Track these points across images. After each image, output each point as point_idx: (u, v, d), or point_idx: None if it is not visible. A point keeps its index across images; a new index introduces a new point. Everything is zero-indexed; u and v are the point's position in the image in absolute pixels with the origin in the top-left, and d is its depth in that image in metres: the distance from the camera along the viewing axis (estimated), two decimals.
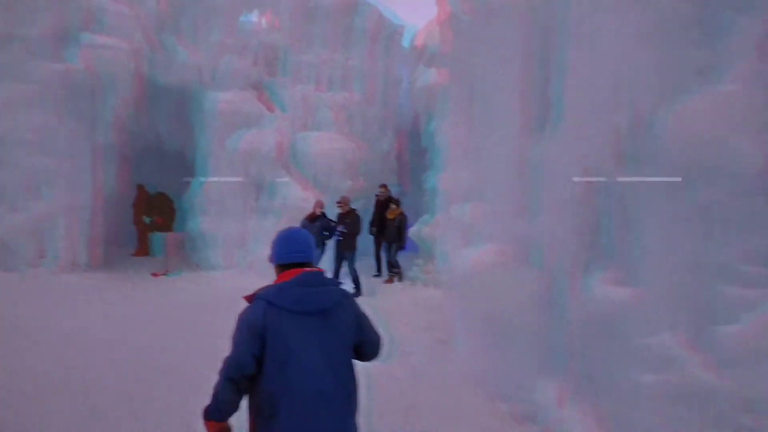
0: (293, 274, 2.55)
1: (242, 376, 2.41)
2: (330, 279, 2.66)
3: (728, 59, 3.28)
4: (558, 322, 4.73)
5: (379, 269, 11.89)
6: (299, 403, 2.35)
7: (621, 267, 4.24)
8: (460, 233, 5.83)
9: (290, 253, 2.62)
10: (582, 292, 4.48)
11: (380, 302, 9.67)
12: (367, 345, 2.66)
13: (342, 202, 10.30)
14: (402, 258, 11.77)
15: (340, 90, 13.15)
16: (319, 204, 10.34)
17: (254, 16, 12.81)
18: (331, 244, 10.31)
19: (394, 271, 11.41)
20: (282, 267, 2.62)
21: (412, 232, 11.55)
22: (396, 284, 11.30)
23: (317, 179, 12.09)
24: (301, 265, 2.60)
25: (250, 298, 2.53)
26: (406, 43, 14.51)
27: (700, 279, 3.52)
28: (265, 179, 11.89)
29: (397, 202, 11.73)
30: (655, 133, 3.60)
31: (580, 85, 4.06)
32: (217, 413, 2.48)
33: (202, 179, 12.06)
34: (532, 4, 4.50)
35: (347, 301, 2.60)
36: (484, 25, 4.93)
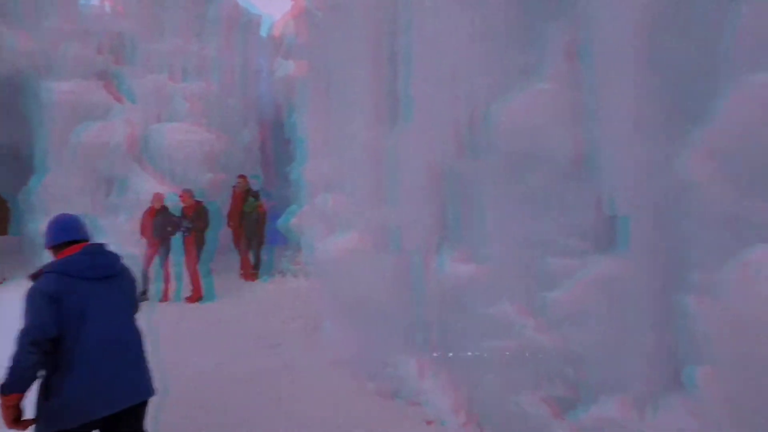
0: (78, 248, 2.86)
1: (45, 339, 2.59)
2: (111, 251, 3.00)
3: (544, 61, 3.76)
4: (416, 300, 5.10)
5: (255, 265, 11.24)
6: (93, 354, 2.67)
7: (467, 246, 4.69)
8: (323, 223, 6.00)
9: (67, 231, 2.91)
10: (436, 271, 4.88)
11: (248, 296, 9.60)
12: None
13: (183, 196, 9.48)
14: (271, 251, 11.69)
15: (196, 80, 12.65)
16: (158, 198, 9.37)
17: (96, 0, 11.85)
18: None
19: (256, 268, 11.01)
20: (59, 248, 2.88)
21: (280, 223, 11.52)
22: (264, 278, 11.14)
23: (174, 173, 11.54)
24: (79, 242, 2.90)
25: (35, 276, 2.76)
26: (264, 32, 14.30)
27: (530, 253, 4.02)
28: (115, 174, 11.13)
29: (257, 195, 11.13)
30: (489, 125, 4.02)
31: (424, 81, 4.40)
32: (20, 382, 2.63)
33: (42, 176, 11.00)
34: (380, 3, 4.76)
35: (127, 268, 3.04)
36: (336, 21, 5.11)
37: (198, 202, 9.66)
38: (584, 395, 3.83)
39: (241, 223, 10.98)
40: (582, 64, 3.61)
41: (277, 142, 14.18)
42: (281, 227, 11.43)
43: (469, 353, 4.57)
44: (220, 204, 10.96)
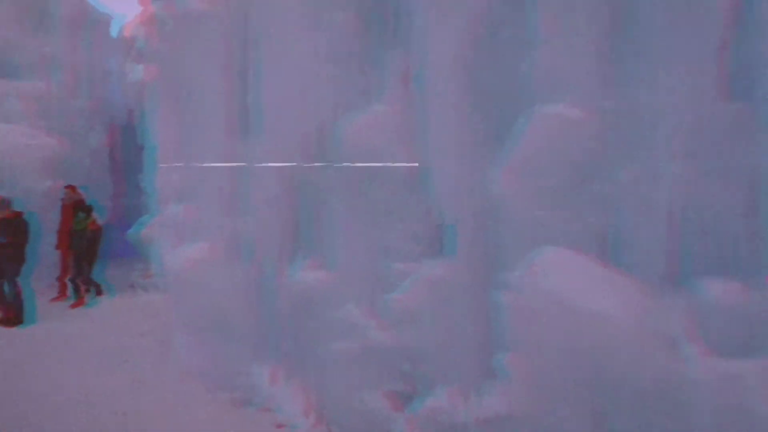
0: None
1: None
2: None
3: (383, 84, 4.13)
4: (269, 309, 5.22)
5: (76, 287, 9.53)
6: None
7: (320, 254, 4.92)
8: (174, 233, 5.89)
9: None
10: (288, 279, 5.04)
11: (94, 314, 8.97)
12: None
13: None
14: (121, 264, 10.93)
15: (33, 79, 11.60)
16: None
17: None
18: None
19: (87, 289, 9.48)
20: None
21: (130, 234, 10.84)
22: (94, 301, 9.56)
23: (4, 180, 10.41)
24: None
25: None
26: (114, 33, 13.49)
27: (374, 258, 4.35)
28: None
29: (89, 209, 9.47)
30: (335, 141, 4.30)
31: (274, 95, 4.58)
32: None
33: None
34: (232, 16, 4.86)
35: None
36: (187, 29, 5.11)
37: (15, 213, 8.35)
38: (420, 388, 4.22)
39: (69, 243, 9.25)
40: (416, 88, 4.02)
41: (128, 148, 13.36)
42: (131, 238, 10.80)
43: (318, 356, 4.78)
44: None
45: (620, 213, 3.17)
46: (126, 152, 13.69)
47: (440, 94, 3.78)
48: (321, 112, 4.33)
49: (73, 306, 9.26)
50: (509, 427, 3.38)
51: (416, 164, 4.01)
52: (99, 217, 9.87)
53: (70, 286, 9.58)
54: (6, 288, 8.23)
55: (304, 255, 5.03)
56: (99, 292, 9.62)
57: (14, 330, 8.04)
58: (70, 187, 9.97)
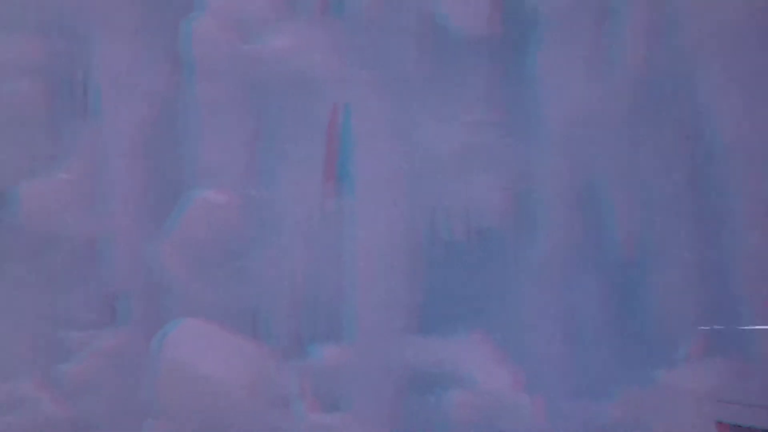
0: None
1: None
2: None
3: (71, 152, 4.23)
4: None
5: None
6: None
7: None
8: None
9: None
10: None
11: None
12: None
13: None
14: None
15: None
16: None
17: None
18: None
19: None
20: None
21: None
22: None
23: None
24: None
25: None
26: None
27: (47, 326, 4.26)
28: None
29: None
30: (14, 203, 4.24)
31: None
32: None
33: None
34: None
35: None
36: None
37: None
38: None
39: None
40: (100, 162, 4.19)
41: None
42: None
43: None
44: None
45: (257, 286, 3.64)
46: None
47: (118, 169, 4.00)
48: (1, 174, 4.25)
49: None
50: None
51: (94, 233, 4.12)
52: None
53: None
54: None
55: None
56: None
57: None
58: None
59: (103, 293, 4.19)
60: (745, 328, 4.01)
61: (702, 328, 4.02)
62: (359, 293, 3.53)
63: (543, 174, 4.09)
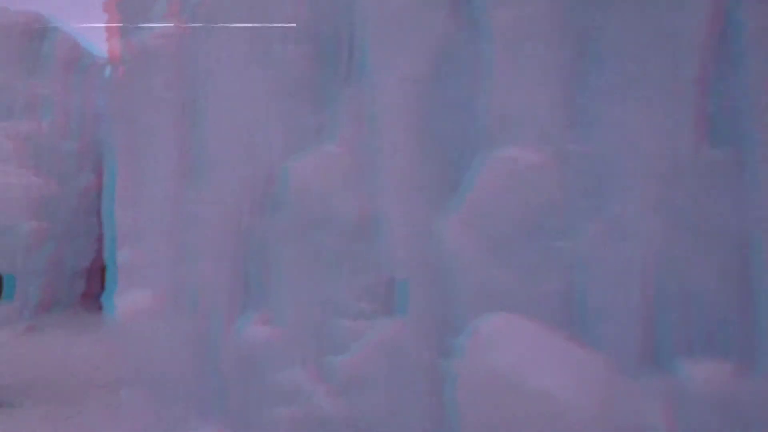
0: None
1: None
2: None
3: (335, 123, 3.77)
4: (214, 366, 4.72)
5: None
6: None
7: (269, 307, 4.46)
8: (125, 279, 5.46)
9: None
10: (235, 334, 4.56)
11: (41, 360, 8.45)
12: None
13: None
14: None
15: (25, 120, 11.54)
16: None
17: None
18: None
19: None
20: None
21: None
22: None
23: None
24: None
25: None
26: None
27: (322, 315, 3.89)
28: None
29: None
30: (282, 184, 3.92)
31: (220, 138, 4.24)
32: None
33: None
34: (182, 50, 4.59)
35: None
36: (142, 68, 4.86)
37: None
38: None
39: None
40: (369, 130, 3.65)
41: None
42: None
43: (261, 420, 4.25)
44: None
45: (585, 274, 2.71)
46: None
47: (392, 137, 3.40)
48: (269, 153, 3.97)
49: None
50: None
51: (367, 211, 3.60)
52: None
53: None
54: None
55: (255, 308, 4.58)
56: None
57: None
58: None
59: (378, 279, 3.63)
60: None
61: None
62: None
63: None
